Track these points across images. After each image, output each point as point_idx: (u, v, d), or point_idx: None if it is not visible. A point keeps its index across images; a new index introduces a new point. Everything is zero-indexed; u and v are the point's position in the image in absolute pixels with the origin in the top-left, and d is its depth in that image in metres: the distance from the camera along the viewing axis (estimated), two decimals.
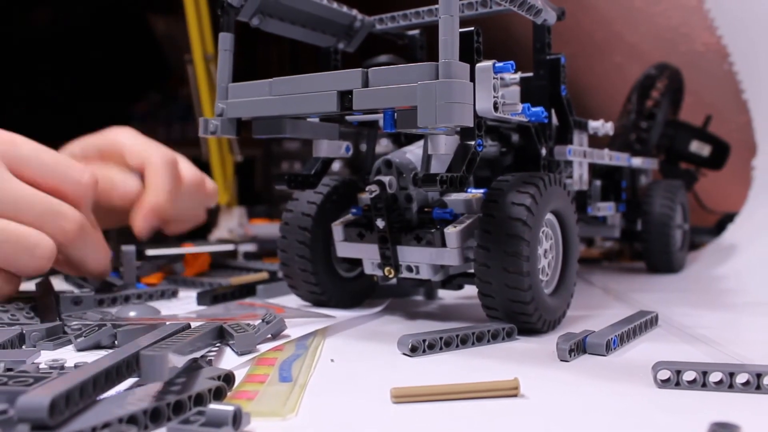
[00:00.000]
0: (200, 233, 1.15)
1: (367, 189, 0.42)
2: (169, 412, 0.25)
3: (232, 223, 1.10)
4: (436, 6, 0.44)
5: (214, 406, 0.24)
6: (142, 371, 0.27)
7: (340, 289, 0.49)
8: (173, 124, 2.55)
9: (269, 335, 0.39)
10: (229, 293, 0.52)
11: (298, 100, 0.38)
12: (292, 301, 0.51)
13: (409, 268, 0.43)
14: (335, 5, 0.49)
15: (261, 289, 0.54)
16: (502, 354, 0.36)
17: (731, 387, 0.29)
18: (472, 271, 0.42)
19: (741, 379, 0.29)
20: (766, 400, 0.28)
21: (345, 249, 0.46)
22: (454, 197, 0.43)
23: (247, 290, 0.54)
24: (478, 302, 0.41)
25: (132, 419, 0.23)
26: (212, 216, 1.17)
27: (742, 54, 0.76)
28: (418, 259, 0.42)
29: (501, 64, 0.39)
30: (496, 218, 0.39)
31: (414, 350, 0.36)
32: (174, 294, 0.54)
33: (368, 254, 0.45)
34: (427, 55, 0.55)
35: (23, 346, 0.37)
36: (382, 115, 0.40)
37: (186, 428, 0.23)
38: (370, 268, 0.46)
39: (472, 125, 0.35)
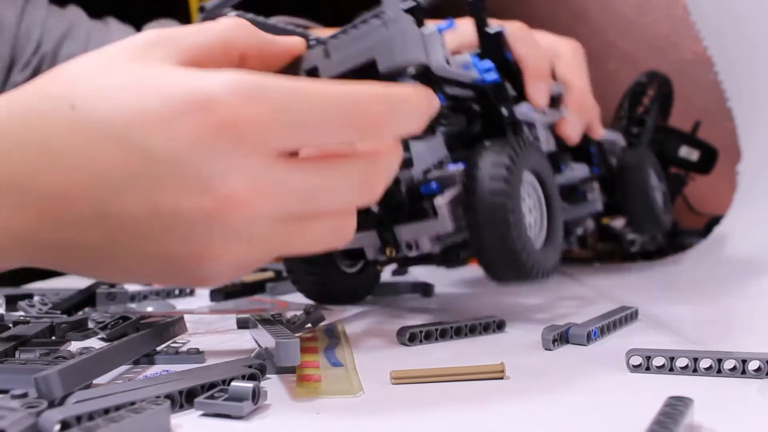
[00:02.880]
0: None
1: None
2: (203, 393, 0.28)
3: None
4: None
5: (235, 383, 0.27)
6: (276, 356, 0.31)
7: (343, 284, 0.52)
8: None
9: (308, 325, 0.42)
10: (240, 290, 0.56)
11: None
12: (298, 297, 0.55)
13: (409, 246, 0.45)
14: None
15: (270, 286, 0.57)
16: (492, 343, 0.40)
17: (695, 371, 0.33)
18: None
19: (704, 364, 0.33)
20: (724, 381, 0.32)
21: None
22: (439, 173, 0.45)
23: (256, 287, 0.57)
24: (472, 300, 0.44)
25: (169, 396, 0.27)
26: None
27: (726, 63, 0.80)
28: (415, 234, 0.45)
29: (443, 24, 0.43)
30: (478, 179, 0.42)
31: (412, 340, 0.39)
32: (191, 292, 0.57)
33: (368, 241, 0.47)
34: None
35: (53, 337, 0.41)
36: None
37: (211, 402, 0.27)
38: (372, 254, 0.48)
39: (425, 60, 0.39)
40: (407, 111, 0.33)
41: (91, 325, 0.43)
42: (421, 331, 0.39)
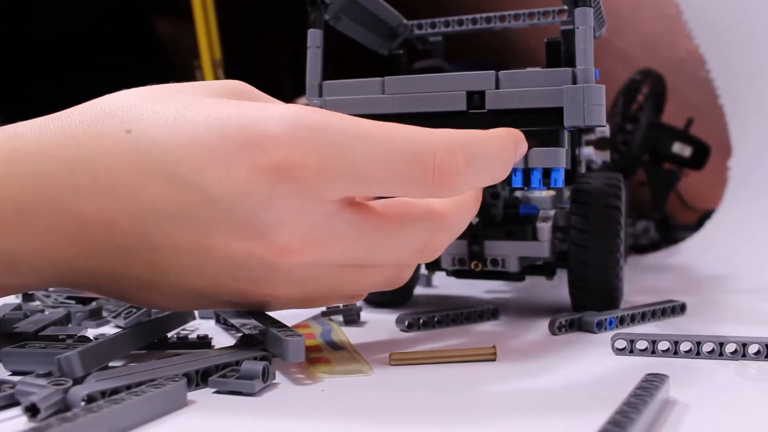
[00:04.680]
0: None
1: None
2: (217, 372, 0.30)
3: None
4: (481, 15, 0.50)
5: (246, 363, 0.29)
6: (284, 353, 0.30)
7: (401, 286, 0.51)
8: None
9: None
10: None
11: (419, 99, 0.40)
12: None
13: (495, 262, 0.46)
14: (392, 8, 0.51)
15: None
16: (487, 330, 0.42)
17: (676, 353, 0.35)
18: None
19: (684, 347, 0.35)
20: (701, 363, 0.34)
21: None
22: (537, 194, 0.46)
23: None
24: (468, 291, 0.46)
25: (185, 375, 0.29)
26: None
27: (717, 61, 0.82)
28: (506, 253, 0.45)
29: None
30: (592, 206, 0.43)
31: (410, 326, 0.41)
32: None
33: (450, 250, 0.47)
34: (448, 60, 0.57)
35: (69, 325, 0.43)
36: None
37: (224, 381, 0.29)
38: (449, 263, 0.47)
39: (605, 125, 0.39)
40: (489, 162, 0.30)
41: (104, 314, 0.45)
42: (418, 318, 0.42)
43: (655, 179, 0.97)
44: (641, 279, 0.67)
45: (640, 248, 0.89)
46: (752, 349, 0.34)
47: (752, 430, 0.25)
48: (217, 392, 0.29)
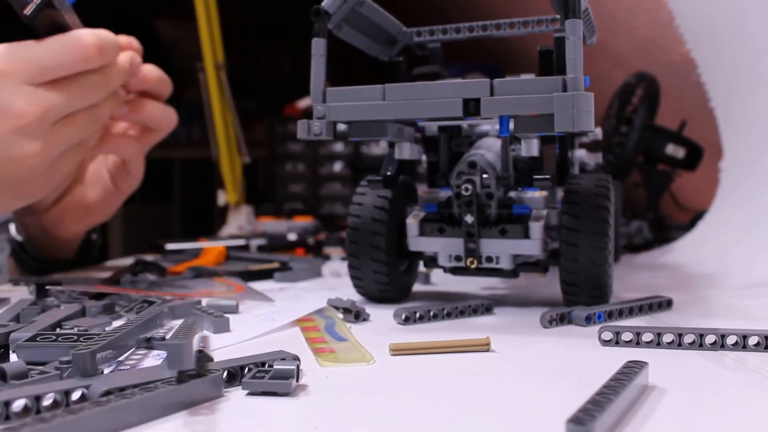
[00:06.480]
0: (211, 230, 1.21)
1: (462, 187, 0.46)
2: (241, 373, 0.31)
3: (241, 221, 1.17)
4: (477, 23, 0.53)
5: (279, 363, 0.30)
6: (168, 360, 0.29)
7: (400, 283, 0.53)
8: (178, 125, 2.62)
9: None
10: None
11: (417, 106, 0.42)
12: (304, 288, 0.59)
13: (489, 259, 0.48)
14: (392, 17, 0.53)
15: (278, 275, 0.62)
16: (480, 324, 0.44)
17: (659, 345, 0.37)
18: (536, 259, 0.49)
19: (667, 338, 0.37)
20: (682, 353, 0.36)
21: (420, 243, 0.50)
22: (530, 195, 0.48)
23: (263, 275, 0.62)
24: (464, 288, 0.48)
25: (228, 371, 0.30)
26: (221, 214, 1.24)
27: (708, 66, 0.84)
28: (500, 251, 0.48)
29: None
30: (582, 205, 0.46)
31: (407, 320, 0.43)
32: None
33: (447, 248, 0.49)
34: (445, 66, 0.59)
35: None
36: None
37: (258, 382, 0.29)
38: (446, 261, 0.50)
39: (594, 130, 0.42)
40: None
41: (117, 308, 0.47)
42: (415, 312, 0.44)
43: (650, 180, 0.99)
44: (634, 277, 0.69)
45: (634, 247, 0.91)
46: (730, 340, 0.36)
47: (724, 413, 0.27)
48: (250, 394, 0.29)
